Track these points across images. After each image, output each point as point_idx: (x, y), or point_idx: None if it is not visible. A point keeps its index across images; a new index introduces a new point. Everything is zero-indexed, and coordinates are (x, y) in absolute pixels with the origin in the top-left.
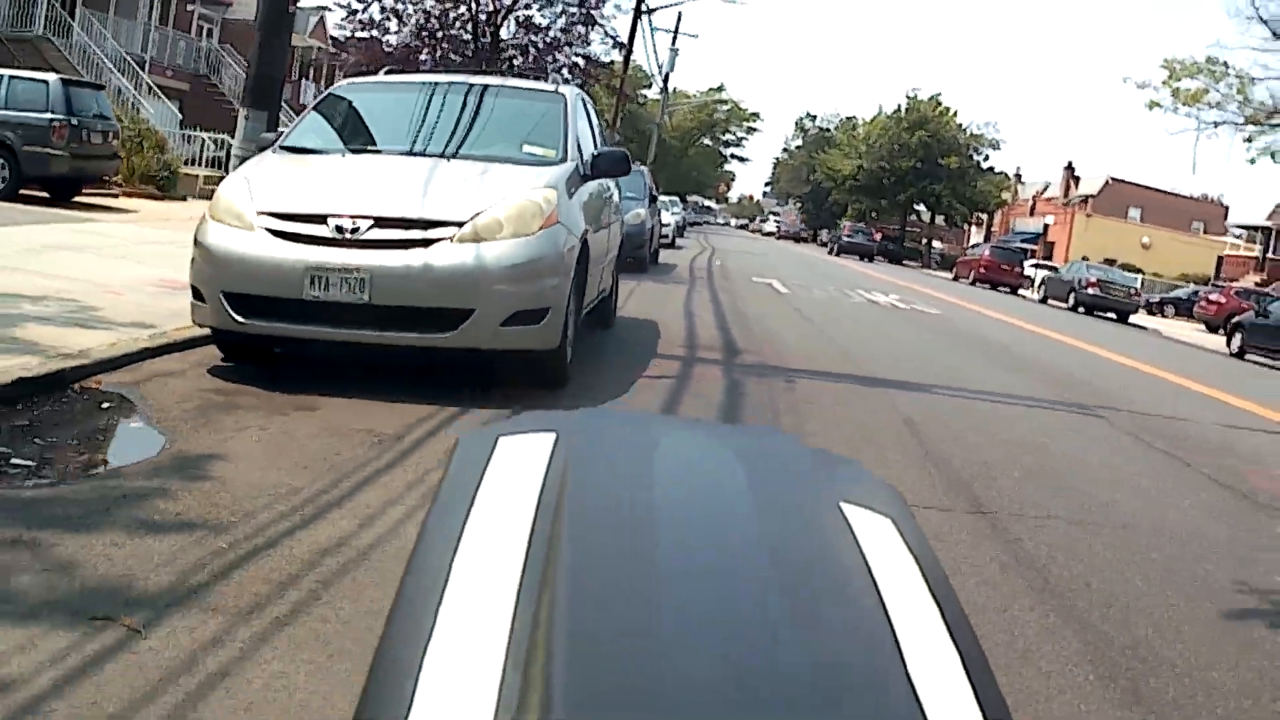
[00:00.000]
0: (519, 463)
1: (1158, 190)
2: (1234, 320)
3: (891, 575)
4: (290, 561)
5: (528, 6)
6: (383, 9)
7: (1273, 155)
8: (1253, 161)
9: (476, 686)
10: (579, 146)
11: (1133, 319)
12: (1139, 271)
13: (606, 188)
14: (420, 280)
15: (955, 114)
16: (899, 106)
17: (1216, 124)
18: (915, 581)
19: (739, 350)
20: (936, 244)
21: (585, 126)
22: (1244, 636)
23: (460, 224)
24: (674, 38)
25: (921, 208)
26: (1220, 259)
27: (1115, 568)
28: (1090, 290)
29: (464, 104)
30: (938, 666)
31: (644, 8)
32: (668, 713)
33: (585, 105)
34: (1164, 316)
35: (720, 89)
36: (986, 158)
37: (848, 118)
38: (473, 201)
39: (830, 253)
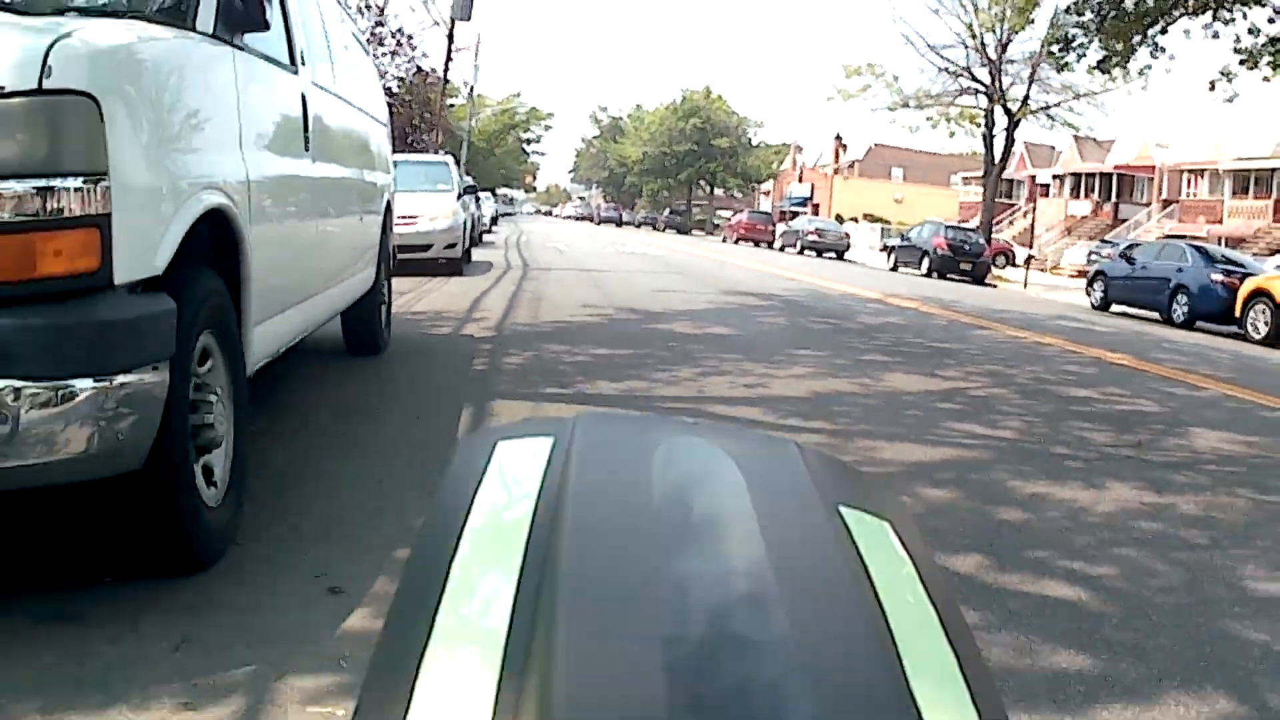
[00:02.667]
0: (517, 466)
1: (918, 151)
2: (889, 246)
3: (889, 578)
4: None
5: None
6: None
7: (909, 129)
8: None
9: (473, 692)
10: (457, 182)
11: (848, 256)
12: (886, 222)
13: (467, 199)
14: (414, 235)
15: (724, 100)
16: (674, 100)
17: (873, 109)
18: (912, 584)
19: (531, 266)
20: (729, 214)
21: (457, 173)
22: (661, 300)
23: (426, 216)
24: (475, 54)
25: (704, 183)
26: (960, 205)
27: (627, 292)
28: (810, 237)
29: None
30: (934, 670)
31: (452, 49)
32: (664, 717)
33: (456, 162)
34: None
35: (518, 95)
36: (754, 135)
37: (636, 106)
38: (428, 207)
39: (595, 224)
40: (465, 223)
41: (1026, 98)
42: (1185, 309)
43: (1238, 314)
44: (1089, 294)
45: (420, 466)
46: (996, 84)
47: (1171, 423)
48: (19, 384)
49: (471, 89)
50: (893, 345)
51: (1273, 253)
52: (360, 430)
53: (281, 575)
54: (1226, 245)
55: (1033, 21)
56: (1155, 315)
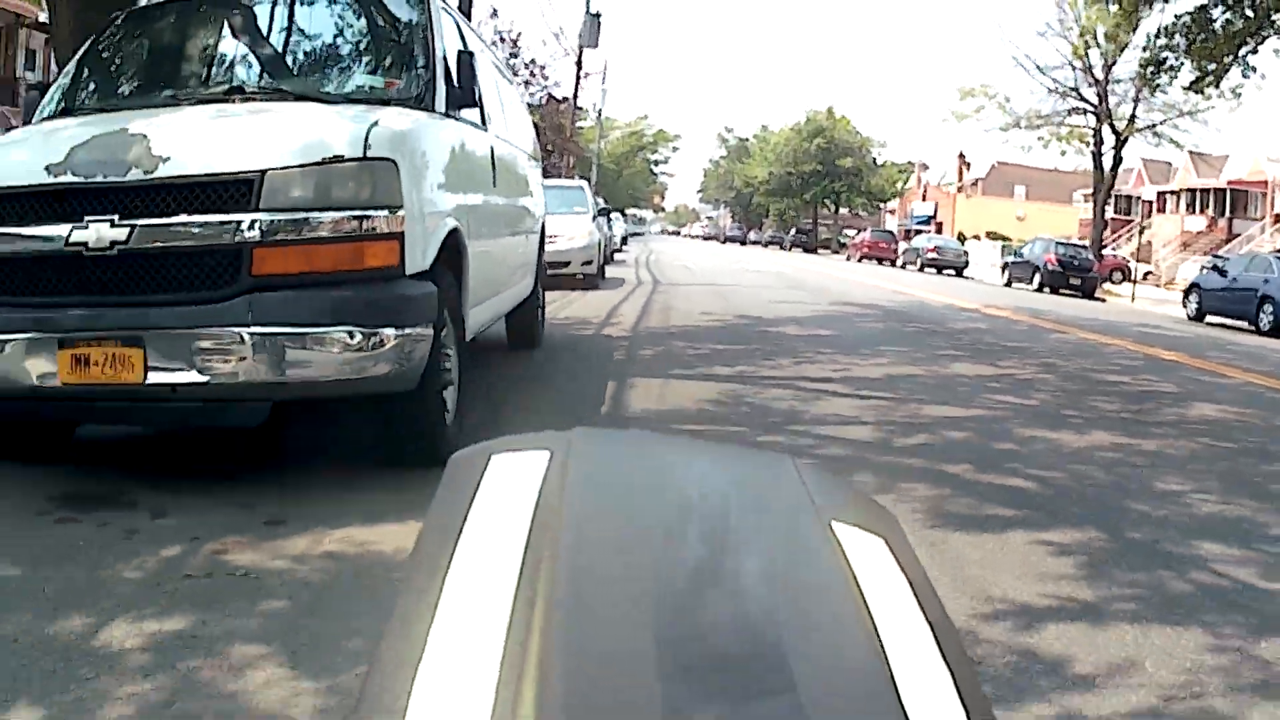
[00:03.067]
0: (513, 480)
1: (1039, 169)
2: (1004, 262)
3: (882, 595)
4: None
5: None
6: None
7: (1023, 149)
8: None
9: (469, 702)
10: (593, 205)
11: (966, 273)
12: (1007, 240)
13: (600, 220)
14: (555, 253)
15: (847, 120)
16: (798, 120)
17: (986, 130)
18: (907, 601)
19: (660, 282)
20: (854, 232)
21: (591, 197)
22: (775, 309)
23: (565, 236)
24: (603, 79)
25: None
26: (1080, 222)
27: (747, 303)
28: (930, 255)
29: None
30: (928, 687)
31: (581, 74)
32: None
33: (590, 186)
34: None
35: (645, 117)
36: (878, 155)
37: (762, 127)
38: (567, 228)
39: (720, 243)
40: (600, 242)
41: (1133, 116)
42: (1271, 317)
43: None
44: (1184, 306)
45: (581, 411)
46: (1104, 103)
47: (1179, 398)
48: (354, 329)
49: (600, 113)
50: (969, 344)
51: None
52: (535, 390)
53: None
54: None
55: (1125, 46)
56: (1245, 324)
